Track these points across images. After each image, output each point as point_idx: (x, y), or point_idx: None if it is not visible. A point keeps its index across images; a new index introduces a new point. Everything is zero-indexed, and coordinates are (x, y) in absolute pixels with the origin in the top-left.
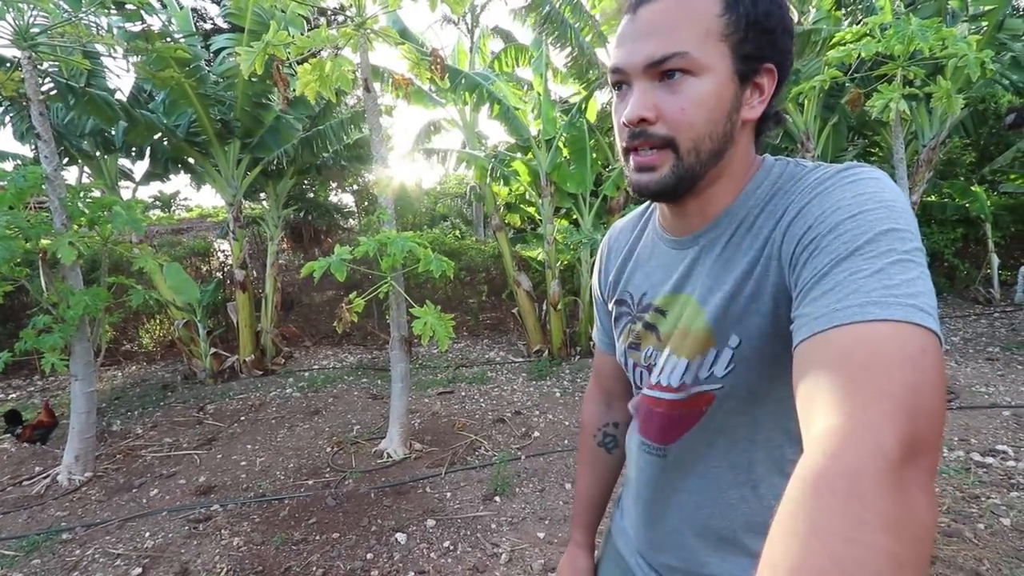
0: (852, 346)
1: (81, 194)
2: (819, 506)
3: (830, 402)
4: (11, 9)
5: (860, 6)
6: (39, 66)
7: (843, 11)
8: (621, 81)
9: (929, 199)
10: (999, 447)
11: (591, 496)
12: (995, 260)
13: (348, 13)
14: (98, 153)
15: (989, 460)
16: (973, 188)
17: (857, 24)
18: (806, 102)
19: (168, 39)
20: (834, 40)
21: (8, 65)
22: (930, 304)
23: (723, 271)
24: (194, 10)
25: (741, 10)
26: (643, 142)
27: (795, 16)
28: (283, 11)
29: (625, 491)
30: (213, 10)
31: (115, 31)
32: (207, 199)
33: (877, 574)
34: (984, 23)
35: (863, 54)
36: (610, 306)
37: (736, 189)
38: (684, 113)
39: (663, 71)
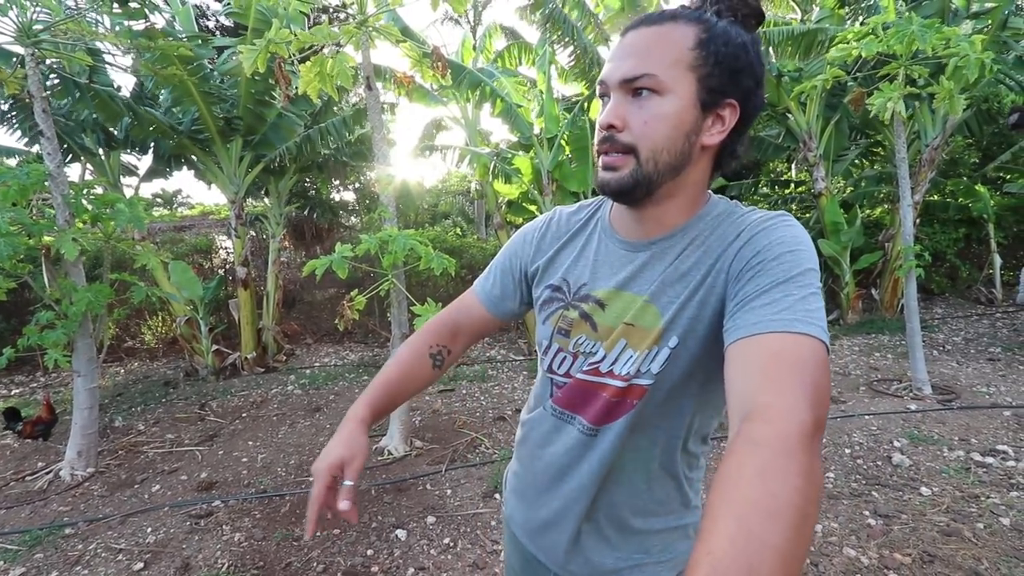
0: (782, 349)
1: (84, 191)
2: (761, 456)
3: (766, 386)
4: (14, 6)
5: (863, 5)
6: (42, 63)
7: (846, 9)
8: (604, 93)
9: (931, 198)
10: (999, 447)
11: (396, 384)
12: (997, 261)
13: (350, 11)
14: (100, 152)
15: (989, 460)
16: (977, 188)
17: (860, 23)
18: (808, 101)
19: (171, 37)
20: (836, 39)
21: (15, 60)
22: (826, 325)
23: (678, 279)
24: (196, 6)
25: (712, 48)
26: (609, 146)
27: (798, 14)
28: (285, 8)
29: (521, 481)
30: (215, 7)
31: (118, 28)
32: (210, 196)
33: (794, 504)
34: (988, 21)
35: (864, 53)
36: (537, 290)
37: (691, 210)
38: (646, 126)
39: (634, 88)
